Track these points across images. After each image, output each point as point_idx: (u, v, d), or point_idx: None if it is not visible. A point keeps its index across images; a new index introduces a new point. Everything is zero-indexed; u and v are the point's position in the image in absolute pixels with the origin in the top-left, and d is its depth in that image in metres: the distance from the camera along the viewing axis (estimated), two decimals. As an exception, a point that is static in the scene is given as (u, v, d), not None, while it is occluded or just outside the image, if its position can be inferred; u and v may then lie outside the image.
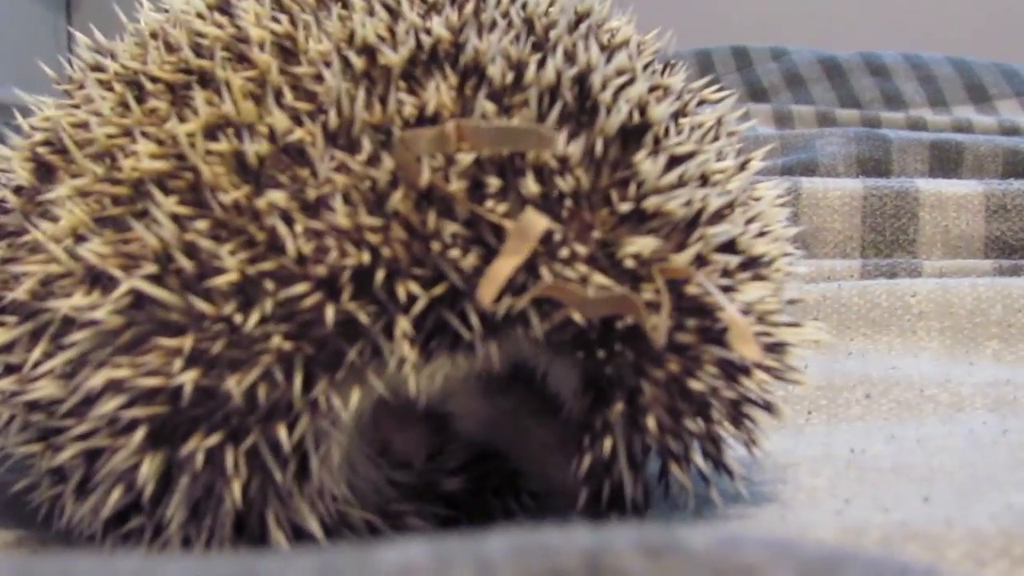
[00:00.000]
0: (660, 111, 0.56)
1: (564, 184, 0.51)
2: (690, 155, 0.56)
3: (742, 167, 0.61)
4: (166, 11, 0.62)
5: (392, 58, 0.54)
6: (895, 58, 2.33)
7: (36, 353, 0.53)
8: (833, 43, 2.44)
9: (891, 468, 0.66)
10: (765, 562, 0.31)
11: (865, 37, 2.61)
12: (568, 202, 0.51)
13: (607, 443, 0.53)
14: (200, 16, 0.58)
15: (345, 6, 0.57)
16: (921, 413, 0.83)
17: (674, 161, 0.55)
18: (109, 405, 0.50)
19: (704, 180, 0.56)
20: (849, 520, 0.56)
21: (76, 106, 0.59)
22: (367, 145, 0.51)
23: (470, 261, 0.49)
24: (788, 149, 1.60)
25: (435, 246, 0.49)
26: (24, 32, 3.06)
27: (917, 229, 1.24)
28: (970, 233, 1.23)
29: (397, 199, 0.50)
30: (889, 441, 0.74)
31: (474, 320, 0.50)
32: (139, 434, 0.50)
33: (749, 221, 0.58)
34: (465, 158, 0.50)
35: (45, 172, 0.57)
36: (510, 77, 0.54)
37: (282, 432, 0.49)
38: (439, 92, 0.52)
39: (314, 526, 0.52)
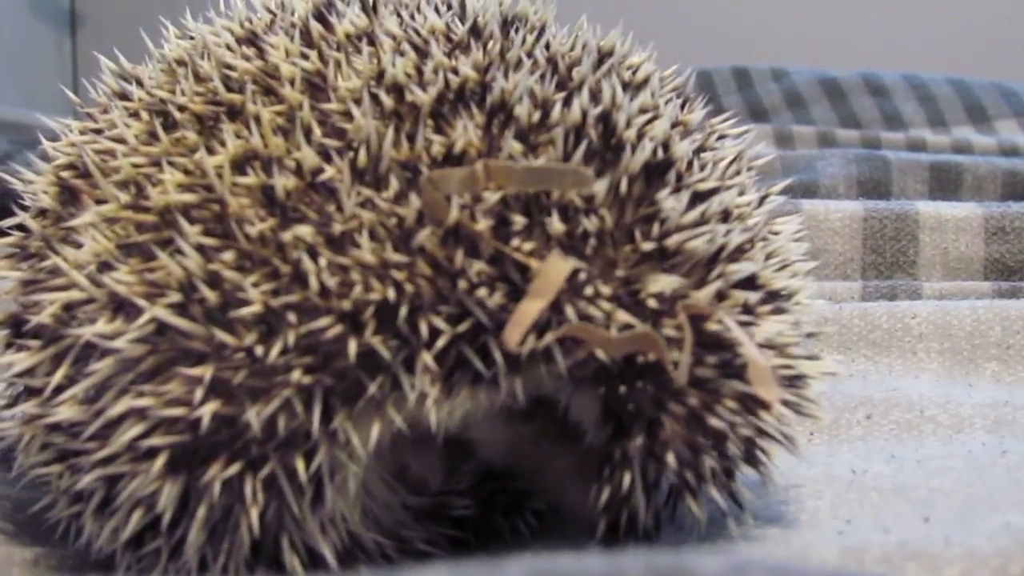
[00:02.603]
0: (683, 148, 0.56)
1: (589, 223, 0.51)
2: (712, 192, 0.56)
3: (761, 201, 0.61)
4: (192, 38, 0.62)
5: (421, 97, 0.54)
6: (895, 78, 2.33)
7: (57, 377, 0.53)
8: (833, 63, 2.45)
9: (892, 489, 0.67)
10: (771, 587, 0.32)
11: (865, 57, 2.61)
12: (592, 240, 0.52)
13: (626, 475, 0.53)
14: (229, 48, 0.59)
15: (372, 43, 0.57)
16: (921, 434, 0.83)
17: (696, 198, 0.55)
18: (130, 433, 0.50)
19: (726, 216, 0.56)
20: (850, 541, 0.56)
21: (99, 131, 0.59)
22: (394, 182, 0.51)
23: (496, 300, 0.50)
24: (789, 170, 1.60)
25: (461, 284, 0.49)
26: (28, 49, 3.06)
27: (917, 251, 1.24)
28: (969, 255, 1.23)
29: (423, 236, 0.50)
30: (890, 461, 0.74)
31: (497, 356, 0.50)
32: (159, 461, 0.50)
33: (769, 256, 0.58)
34: (492, 196, 0.51)
35: (69, 196, 0.57)
36: (536, 116, 0.54)
37: (299, 462, 0.50)
38: (467, 131, 0.53)
39: (327, 551, 0.53)
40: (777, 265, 0.59)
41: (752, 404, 0.54)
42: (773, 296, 0.57)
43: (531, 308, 0.49)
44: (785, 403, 0.56)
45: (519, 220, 0.51)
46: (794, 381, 0.57)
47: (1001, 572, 0.48)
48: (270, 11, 0.63)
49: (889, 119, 2.24)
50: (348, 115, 0.53)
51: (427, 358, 0.49)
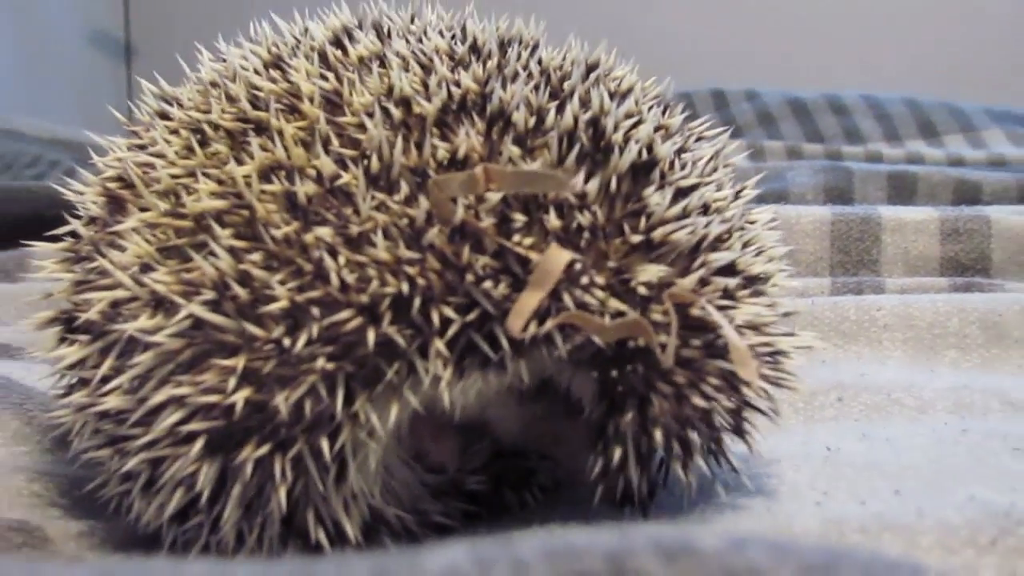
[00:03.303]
0: (665, 148, 0.56)
1: (583, 218, 0.51)
2: (693, 187, 0.56)
3: (737, 195, 0.60)
4: (224, 60, 0.62)
5: (426, 108, 0.53)
6: (854, 98, 2.32)
7: (104, 368, 0.53)
8: (800, 85, 2.44)
9: (864, 464, 0.65)
10: (769, 563, 0.30)
11: (828, 80, 2.60)
12: (586, 234, 0.51)
13: (618, 448, 0.52)
14: (256, 72, 0.59)
15: (383, 64, 0.57)
16: (889, 415, 0.82)
17: (679, 193, 0.54)
18: (170, 419, 0.50)
19: (706, 209, 0.56)
20: (829, 512, 0.55)
21: (143, 147, 0.59)
22: (404, 186, 0.51)
23: (500, 290, 0.49)
24: (761, 179, 1.59)
25: (468, 277, 0.49)
26: (88, 78, 3.08)
27: (880, 250, 1.23)
28: (927, 254, 1.23)
29: (432, 234, 0.49)
30: (861, 440, 0.73)
31: (503, 342, 0.49)
32: (197, 445, 0.49)
33: (746, 244, 0.58)
34: (493, 197, 0.50)
35: (116, 205, 0.57)
36: (532, 122, 0.53)
37: (324, 443, 0.49)
38: (469, 138, 0.52)
39: (349, 525, 0.52)
40: (754, 252, 0.58)
41: (734, 379, 0.53)
42: (751, 280, 0.57)
43: (532, 297, 0.49)
44: (765, 378, 0.55)
45: (519, 217, 0.50)
46: (773, 357, 0.57)
47: (970, 541, 0.48)
48: (294, 37, 0.63)
49: (849, 134, 2.23)
50: (362, 127, 0.53)
51: (439, 345, 0.49)
